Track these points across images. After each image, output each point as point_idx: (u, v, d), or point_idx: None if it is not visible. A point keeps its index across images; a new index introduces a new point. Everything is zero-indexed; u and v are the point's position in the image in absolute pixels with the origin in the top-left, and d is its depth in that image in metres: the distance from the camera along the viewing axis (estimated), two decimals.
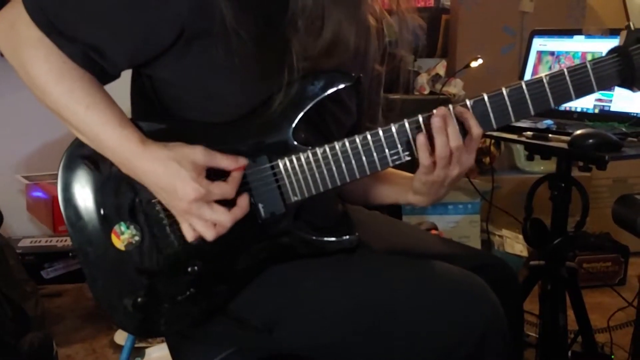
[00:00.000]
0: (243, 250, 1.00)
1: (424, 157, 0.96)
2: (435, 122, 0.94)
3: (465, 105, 0.96)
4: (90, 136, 0.93)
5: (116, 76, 0.96)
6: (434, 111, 0.95)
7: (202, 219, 0.92)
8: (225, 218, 0.92)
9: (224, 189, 0.92)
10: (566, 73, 0.97)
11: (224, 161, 0.93)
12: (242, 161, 0.94)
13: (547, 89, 0.97)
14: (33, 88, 0.92)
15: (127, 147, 0.91)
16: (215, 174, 0.93)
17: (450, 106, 0.96)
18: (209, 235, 0.92)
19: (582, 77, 0.98)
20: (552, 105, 0.98)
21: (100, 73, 0.93)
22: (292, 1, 0.93)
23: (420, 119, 0.96)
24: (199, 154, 0.91)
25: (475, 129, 0.95)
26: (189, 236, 0.94)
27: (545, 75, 0.97)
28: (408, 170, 1.15)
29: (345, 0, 0.94)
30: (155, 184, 0.92)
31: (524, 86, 0.97)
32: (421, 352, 0.96)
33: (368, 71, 1.12)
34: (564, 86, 0.97)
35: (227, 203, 0.93)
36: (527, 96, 0.97)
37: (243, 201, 0.94)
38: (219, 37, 0.90)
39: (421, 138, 0.95)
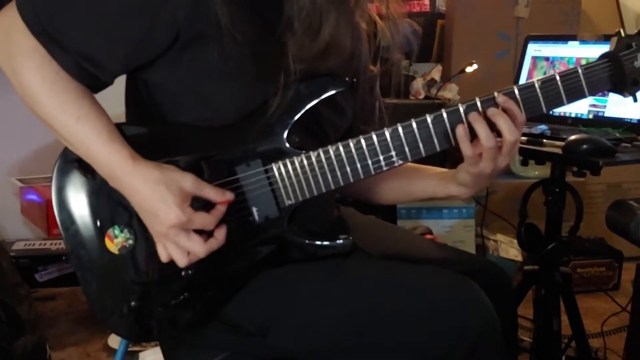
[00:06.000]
0: (237, 254, 1.00)
1: (465, 147, 0.95)
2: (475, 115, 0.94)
3: (508, 94, 0.96)
4: (80, 148, 0.92)
5: (110, 83, 0.96)
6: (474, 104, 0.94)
7: (177, 245, 0.92)
8: (199, 249, 0.92)
9: (205, 219, 0.92)
10: (558, 78, 0.97)
11: (211, 193, 0.93)
12: (229, 195, 0.94)
13: (539, 94, 0.97)
14: (24, 97, 0.91)
15: (116, 163, 0.91)
16: (197, 201, 0.93)
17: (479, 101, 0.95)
18: (181, 262, 0.93)
19: (574, 82, 0.98)
20: (544, 109, 0.98)
21: (94, 82, 0.93)
22: (288, 4, 0.92)
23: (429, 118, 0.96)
24: (188, 182, 0.91)
25: (520, 117, 0.95)
26: (162, 258, 0.94)
27: (537, 80, 0.97)
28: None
29: (341, 3, 0.94)
30: (138, 203, 0.92)
31: (516, 91, 0.97)
32: (415, 356, 0.96)
33: (361, 74, 1.12)
34: (556, 91, 0.97)
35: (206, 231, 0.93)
36: (520, 101, 0.97)
37: (220, 234, 0.94)
38: (215, 41, 0.90)
39: (460, 129, 0.94)
